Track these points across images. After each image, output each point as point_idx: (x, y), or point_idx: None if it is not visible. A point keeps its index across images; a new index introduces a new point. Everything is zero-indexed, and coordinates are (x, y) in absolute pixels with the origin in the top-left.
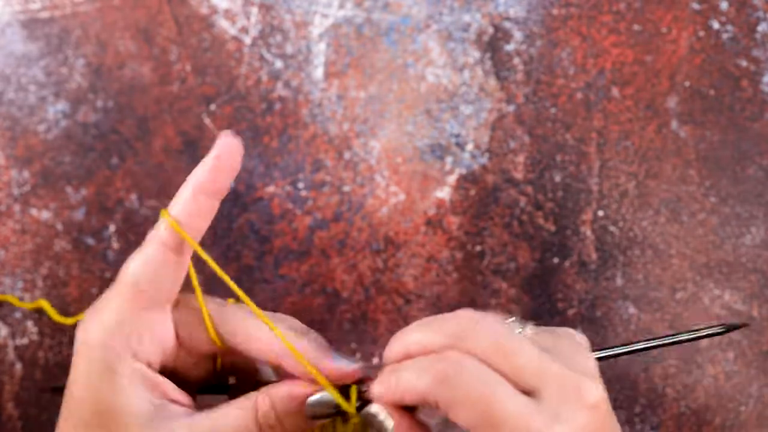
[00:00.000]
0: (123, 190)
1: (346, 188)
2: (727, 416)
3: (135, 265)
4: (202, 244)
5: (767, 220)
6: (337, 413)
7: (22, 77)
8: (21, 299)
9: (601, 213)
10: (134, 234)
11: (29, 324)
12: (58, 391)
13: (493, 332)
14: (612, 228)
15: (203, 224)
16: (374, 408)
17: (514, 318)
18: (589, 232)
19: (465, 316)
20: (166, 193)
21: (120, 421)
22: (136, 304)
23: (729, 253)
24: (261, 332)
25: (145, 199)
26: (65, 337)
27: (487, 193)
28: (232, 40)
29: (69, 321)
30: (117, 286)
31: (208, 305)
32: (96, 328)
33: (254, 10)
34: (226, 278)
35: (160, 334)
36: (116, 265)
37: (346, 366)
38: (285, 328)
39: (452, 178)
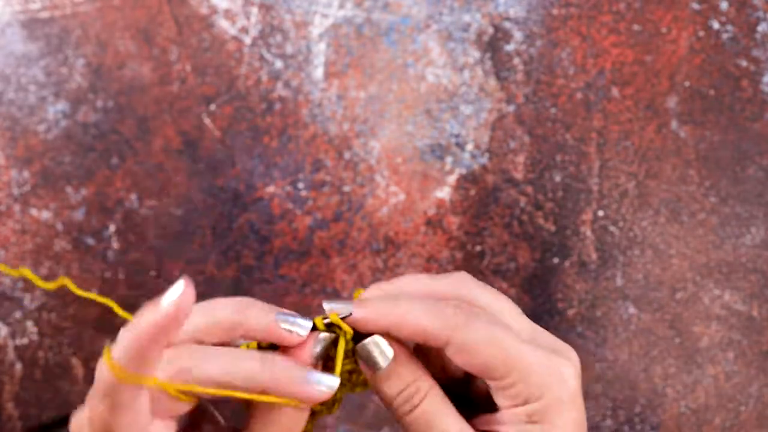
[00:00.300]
0: (123, 190)
1: (346, 188)
2: (727, 416)
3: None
4: (200, 242)
5: (767, 220)
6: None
7: (22, 77)
8: (21, 299)
9: (601, 213)
10: (134, 234)
11: (29, 324)
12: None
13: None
14: (612, 228)
15: (151, 362)
16: (377, 338)
17: None
18: (589, 232)
19: (465, 276)
20: (166, 193)
21: None
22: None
23: (729, 253)
24: (214, 365)
25: (145, 199)
26: (65, 337)
27: (487, 193)
28: (232, 40)
29: (50, 286)
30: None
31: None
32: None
33: (254, 10)
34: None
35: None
36: (116, 265)
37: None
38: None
39: (452, 178)
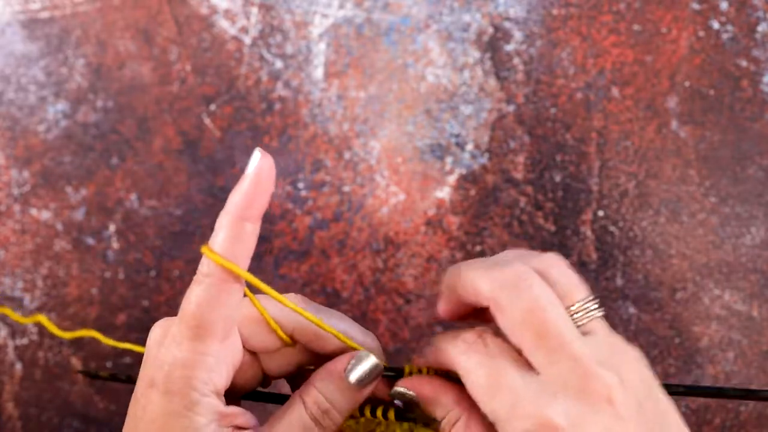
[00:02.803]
0: (123, 190)
1: (346, 188)
2: (727, 416)
3: (197, 304)
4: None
5: (767, 220)
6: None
7: (22, 77)
8: (21, 299)
9: (601, 213)
10: (134, 234)
11: (29, 324)
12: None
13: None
14: (612, 228)
15: (248, 250)
16: (400, 388)
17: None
18: (589, 232)
19: (553, 256)
20: (166, 192)
21: None
22: (209, 341)
23: (729, 253)
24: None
25: (145, 199)
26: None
27: (487, 193)
28: (232, 40)
29: (67, 335)
30: (185, 323)
31: (270, 308)
32: (176, 368)
33: (254, 10)
34: (292, 305)
35: (228, 360)
36: (116, 265)
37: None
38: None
39: (452, 178)
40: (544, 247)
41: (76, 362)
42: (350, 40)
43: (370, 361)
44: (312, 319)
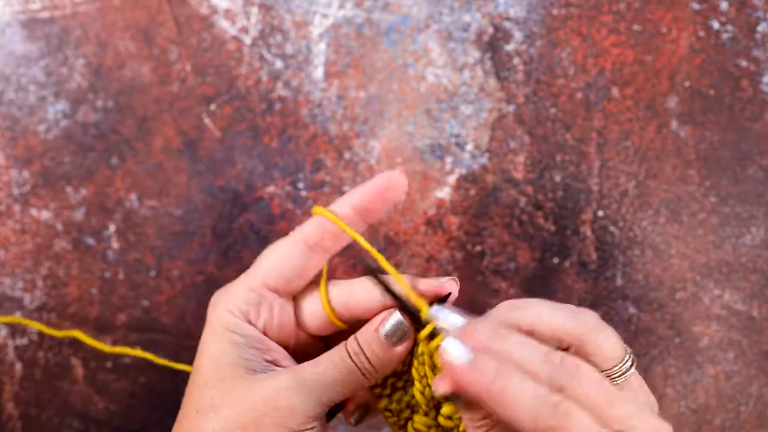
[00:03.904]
0: (123, 190)
1: (346, 188)
2: (727, 416)
3: (270, 258)
4: (200, 242)
5: (767, 220)
6: (414, 329)
7: (22, 77)
8: (21, 299)
9: (601, 213)
10: (134, 234)
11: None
12: None
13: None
14: (612, 228)
15: (344, 236)
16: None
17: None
18: (589, 232)
19: (592, 317)
20: (166, 192)
21: (232, 369)
22: (261, 287)
23: (729, 253)
24: (365, 299)
25: (145, 199)
26: (65, 337)
27: (487, 193)
28: (232, 40)
29: (108, 348)
30: (251, 271)
31: (328, 290)
32: (221, 300)
33: (254, 10)
34: (378, 256)
35: (279, 312)
36: (116, 265)
37: (438, 283)
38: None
39: (452, 178)
40: (544, 247)
41: (76, 362)
42: (350, 40)
43: (395, 319)
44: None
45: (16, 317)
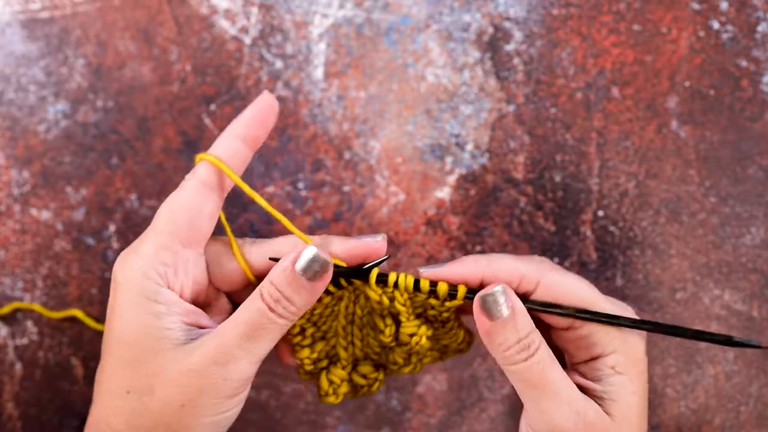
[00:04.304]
0: (123, 190)
1: (346, 188)
2: (727, 416)
3: (173, 206)
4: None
5: (767, 220)
6: (335, 275)
7: (22, 77)
8: (21, 299)
9: (601, 213)
10: (134, 234)
11: (29, 324)
12: None
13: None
14: (612, 228)
15: (238, 167)
16: (502, 287)
17: None
18: (589, 232)
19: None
20: (166, 192)
21: (158, 343)
22: (173, 242)
23: (729, 253)
24: (282, 249)
25: (145, 199)
26: (65, 336)
27: (487, 193)
28: (232, 40)
29: (55, 315)
30: (154, 224)
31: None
32: (134, 263)
33: (254, 10)
34: (265, 204)
35: (193, 270)
36: None
37: (366, 240)
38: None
39: (452, 178)
40: (544, 247)
41: (76, 362)
42: (350, 40)
43: (310, 252)
44: (283, 219)
45: (15, 303)
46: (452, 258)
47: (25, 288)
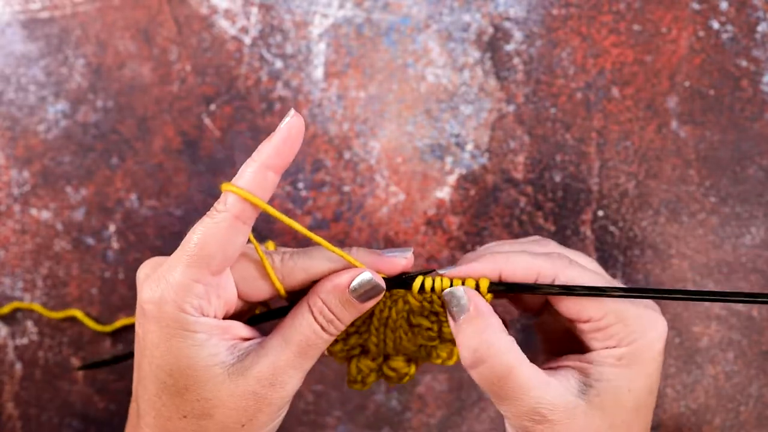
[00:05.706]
0: (123, 190)
1: (346, 188)
2: (727, 416)
3: (203, 235)
4: None
5: (767, 220)
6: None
7: (22, 77)
8: (21, 299)
9: (601, 213)
10: (134, 234)
11: (29, 324)
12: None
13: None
14: (612, 228)
15: (266, 197)
16: (457, 288)
17: None
18: (589, 232)
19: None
20: (166, 192)
21: (206, 372)
22: (204, 275)
23: (729, 253)
24: (318, 265)
25: (145, 199)
26: (65, 336)
27: (487, 193)
28: (232, 40)
29: (107, 329)
30: (183, 251)
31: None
32: (167, 294)
33: (254, 10)
34: (304, 230)
35: (224, 294)
36: (116, 265)
37: (396, 258)
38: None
39: (452, 178)
40: None
41: (76, 362)
42: (350, 40)
43: (366, 277)
44: (329, 246)
45: (15, 303)
46: (452, 258)
47: (25, 288)
